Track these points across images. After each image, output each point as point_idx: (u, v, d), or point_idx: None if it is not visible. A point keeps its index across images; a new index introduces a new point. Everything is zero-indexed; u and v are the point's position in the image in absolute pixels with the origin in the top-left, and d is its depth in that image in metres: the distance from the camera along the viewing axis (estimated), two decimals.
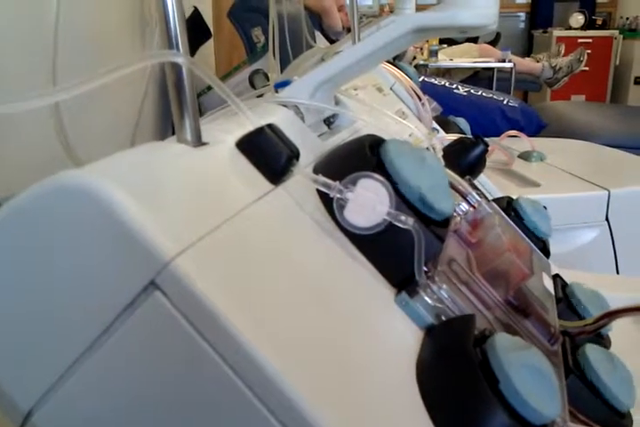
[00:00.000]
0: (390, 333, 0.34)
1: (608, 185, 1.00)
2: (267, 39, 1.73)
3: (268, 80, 1.39)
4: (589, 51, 5.08)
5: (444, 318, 0.35)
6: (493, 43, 4.20)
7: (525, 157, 1.18)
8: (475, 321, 0.33)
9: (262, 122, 0.35)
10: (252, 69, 1.41)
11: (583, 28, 5.33)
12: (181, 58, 0.31)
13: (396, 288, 0.36)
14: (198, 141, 0.32)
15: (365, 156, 0.37)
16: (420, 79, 1.71)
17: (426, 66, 3.02)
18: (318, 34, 1.90)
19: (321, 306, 0.31)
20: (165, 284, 0.24)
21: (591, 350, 0.41)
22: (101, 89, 0.29)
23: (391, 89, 0.88)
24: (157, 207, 0.25)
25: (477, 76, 3.52)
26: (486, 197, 0.56)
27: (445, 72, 3.34)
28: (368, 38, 0.42)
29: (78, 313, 0.26)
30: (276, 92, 0.51)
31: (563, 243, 0.96)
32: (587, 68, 5.06)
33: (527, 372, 0.30)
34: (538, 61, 3.62)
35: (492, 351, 0.31)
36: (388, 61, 1.04)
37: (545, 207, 0.59)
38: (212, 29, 1.83)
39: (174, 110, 0.32)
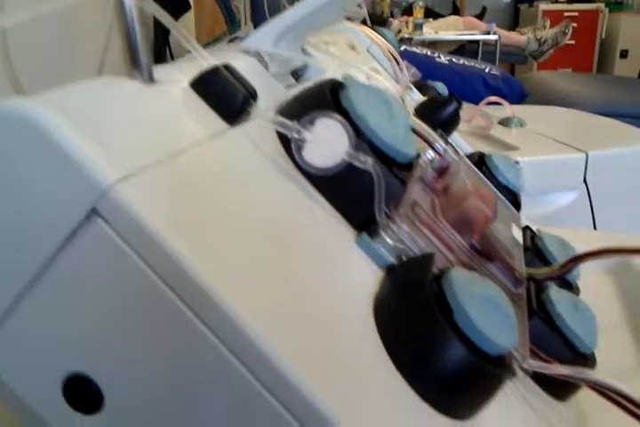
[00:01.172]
0: (351, 273, 0.34)
1: (586, 148, 1.00)
2: (254, 10, 1.71)
3: None
4: (575, 24, 5.06)
5: (404, 258, 0.35)
6: (479, 17, 4.17)
7: (505, 122, 1.18)
8: (433, 259, 0.33)
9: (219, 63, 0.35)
10: (231, 37, 1.40)
11: (569, 1, 5.30)
12: None
13: (358, 230, 0.36)
14: (150, 80, 0.32)
15: (324, 96, 0.37)
16: (402, 48, 1.70)
17: (410, 39, 2.99)
18: None
19: (278, 245, 0.30)
20: (107, 210, 0.24)
21: (555, 293, 0.42)
22: (54, 22, 0.29)
23: (368, 51, 0.87)
24: (98, 136, 0.25)
25: (463, 49, 3.50)
26: (455, 148, 0.56)
27: (430, 45, 3.31)
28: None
29: (20, 244, 0.25)
30: None
31: (542, 205, 0.97)
32: (573, 42, 5.04)
33: (481, 303, 0.30)
34: (523, 35, 3.60)
35: (447, 284, 0.31)
36: (367, 25, 1.03)
37: (517, 162, 0.59)
38: (191, 1, 1.81)
39: (124, 47, 0.31)
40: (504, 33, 3.38)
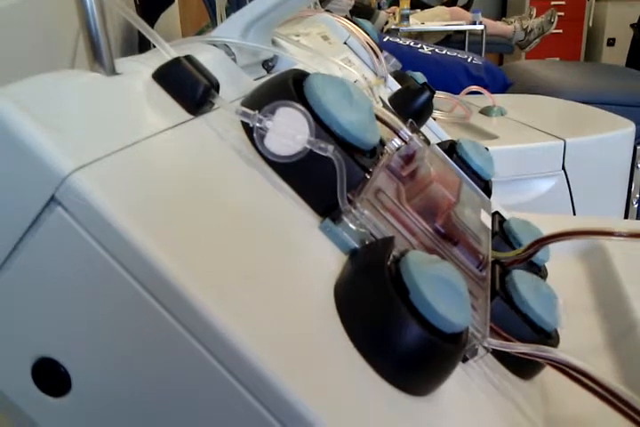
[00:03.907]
0: (314, 257, 0.35)
1: (564, 135, 1.01)
2: (229, 3, 1.71)
3: None
4: (563, 13, 5.07)
5: (367, 242, 0.36)
6: (466, 6, 4.17)
7: (486, 111, 1.19)
8: (393, 242, 0.34)
9: (181, 54, 0.35)
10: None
11: None
12: None
13: (321, 215, 0.37)
14: (112, 71, 0.33)
15: (286, 86, 0.37)
16: (385, 39, 1.70)
17: (397, 30, 3.00)
18: None
19: (240, 230, 0.31)
20: (65, 198, 0.25)
21: (518, 275, 0.43)
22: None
23: (345, 43, 0.88)
24: (57, 126, 0.26)
25: (450, 40, 3.50)
26: (426, 138, 0.57)
27: (417, 36, 3.32)
28: None
29: None
30: None
31: (521, 192, 0.98)
32: (560, 31, 5.04)
33: (436, 283, 0.31)
34: (509, 24, 3.61)
35: (404, 265, 0.32)
36: (346, 17, 1.04)
37: (487, 149, 0.60)
38: None
39: (85, 38, 0.32)
40: (490, 23, 3.38)
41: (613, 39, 5.90)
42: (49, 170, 0.25)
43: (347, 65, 0.65)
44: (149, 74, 0.34)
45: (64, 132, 0.26)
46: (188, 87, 0.34)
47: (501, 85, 1.67)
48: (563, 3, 5.40)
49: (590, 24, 5.83)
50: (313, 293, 0.32)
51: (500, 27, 3.48)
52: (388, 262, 0.33)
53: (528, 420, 0.39)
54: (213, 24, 1.73)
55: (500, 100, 1.27)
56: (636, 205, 1.72)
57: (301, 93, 0.38)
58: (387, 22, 3.25)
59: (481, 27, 3.07)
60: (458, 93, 1.28)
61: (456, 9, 3.56)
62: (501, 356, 0.40)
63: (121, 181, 0.27)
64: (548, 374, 0.42)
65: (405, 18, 3.24)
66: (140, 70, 0.34)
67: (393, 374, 0.30)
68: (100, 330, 0.27)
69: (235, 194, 0.33)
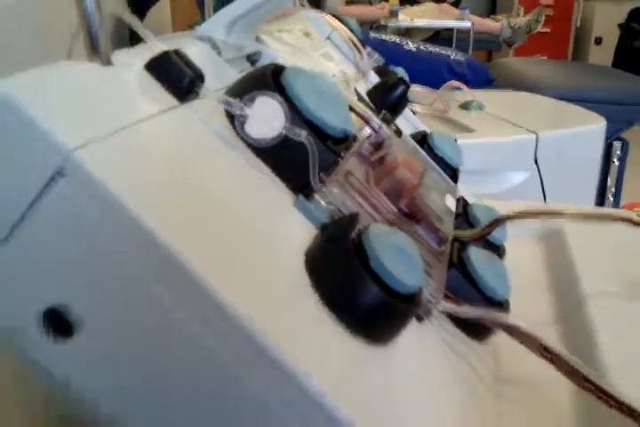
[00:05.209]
0: (288, 230, 0.39)
1: (537, 129, 1.06)
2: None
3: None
4: (551, 12, 5.12)
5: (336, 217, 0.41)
6: (456, 3, 4.21)
7: (465, 106, 1.24)
8: (358, 217, 0.39)
9: (170, 48, 0.40)
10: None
11: None
12: None
13: (296, 193, 0.41)
14: (108, 62, 0.37)
15: (264, 77, 0.42)
16: (371, 36, 1.75)
17: (385, 26, 3.04)
18: None
19: (224, 205, 0.36)
20: (70, 171, 0.29)
21: (474, 251, 0.48)
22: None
23: (328, 38, 0.92)
24: (61, 110, 0.30)
25: (438, 37, 3.54)
26: (398, 128, 0.62)
27: (406, 32, 3.36)
28: None
29: (1, 199, 0.30)
30: None
31: (495, 184, 1.03)
32: (548, 29, 5.10)
33: (393, 251, 0.36)
34: (497, 22, 3.66)
35: (365, 236, 0.36)
36: (332, 14, 1.08)
37: (455, 140, 0.65)
38: None
39: (84, 32, 0.36)
40: (478, 20, 3.43)
41: (600, 38, 5.96)
42: (56, 146, 0.29)
43: (327, 60, 0.70)
44: (141, 65, 0.39)
45: (68, 115, 0.30)
46: (175, 77, 0.38)
47: (484, 81, 1.72)
48: (551, 2, 5.45)
49: (578, 23, 5.89)
50: (286, 258, 0.37)
51: (487, 24, 3.53)
52: (353, 234, 0.37)
53: (478, 376, 0.43)
54: (203, 20, 1.75)
55: (480, 95, 1.32)
56: (612, 198, 1.78)
57: (279, 84, 0.42)
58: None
59: (468, 24, 3.11)
60: (439, 88, 1.33)
61: (445, 6, 3.60)
62: (457, 320, 0.45)
63: (118, 157, 0.31)
64: (500, 337, 0.47)
65: (395, 14, 3.27)
66: (132, 62, 0.38)
67: (355, 327, 0.35)
68: (101, 282, 0.31)
69: (219, 173, 0.37)
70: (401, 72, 1.06)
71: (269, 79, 0.42)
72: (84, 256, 0.31)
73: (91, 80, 0.34)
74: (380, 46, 1.48)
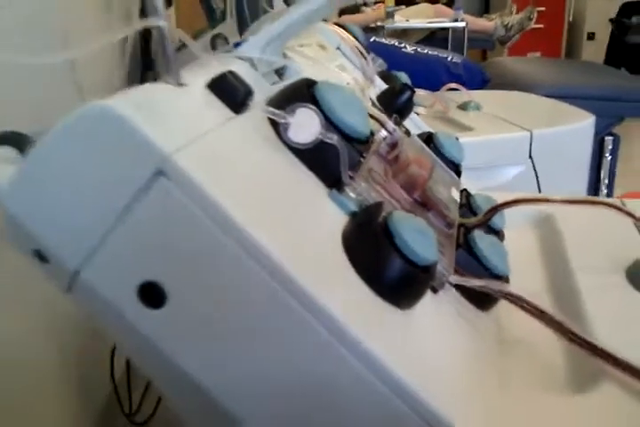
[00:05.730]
0: (325, 217, 0.48)
1: (531, 127, 1.15)
2: (225, 6, 1.82)
3: (229, 43, 1.49)
4: (544, 8, 5.21)
5: (363, 206, 0.49)
6: (450, 3, 4.30)
7: (463, 107, 1.32)
8: (382, 206, 0.48)
9: (225, 69, 0.48)
10: (212, 34, 1.52)
11: None
12: (164, 22, 0.43)
13: (329, 187, 0.50)
14: (179, 83, 0.45)
15: (302, 91, 0.50)
16: (372, 40, 1.83)
17: (382, 27, 3.12)
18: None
19: (279, 196, 0.44)
20: (169, 170, 0.38)
21: (478, 234, 0.56)
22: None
23: (338, 48, 1.01)
24: (158, 123, 0.39)
25: (434, 37, 3.63)
26: (407, 130, 0.71)
27: (402, 33, 3.44)
28: (301, 5, 0.55)
29: (107, 194, 0.39)
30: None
31: (492, 178, 1.12)
32: (541, 26, 5.18)
33: (412, 231, 0.45)
34: (491, 21, 3.75)
35: (390, 219, 0.45)
36: (337, 23, 1.17)
37: (457, 138, 0.74)
38: None
39: (161, 60, 0.44)
40: (472, 19, 3.51)
41: (593, 33, 6.04)
42: (158, 150, 0.37)
43: (341, 70, 0.78)
44: (203, 84, 0.47)
45: (163, 126, 0.39)
46: (232, 93, 0.47)
47: (480, 81, 1.81)
48: None
49: (570, 19, 5.97)
50: (327, 238, 0.45)
51: (481, 23, 3.61)
52: (379, 218, 0.46)
53: (483, 338, 0.52)
54: (211, 27, 1.83)
55: (477, 95, 1.40)
56: (605, 191, 1.87)
57: (313, 97, 0.51)
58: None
59: (463, 24, 3.20)
60: (438, 90, 1.42)
61: (439, 6, 3.69)
62: (466, 292, 0.54)
63: (204, 158, 0.40)
64: (502, 306, 0.56)
65: (390, 15, 3.36)
66: (197, 81, 0.47)
67: (384, 293, 0.43)
68: (193, 263, 0.40)
69: (272, 171, 0.46)
70: (404, 77, 1.15)
71: (306, 93, 0.51)
72: (180, 239, 0.39)
73: (172, 98, 0.43)
74: (380, 50, 1.56)
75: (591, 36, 5.97)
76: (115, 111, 0.38)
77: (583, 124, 1.24)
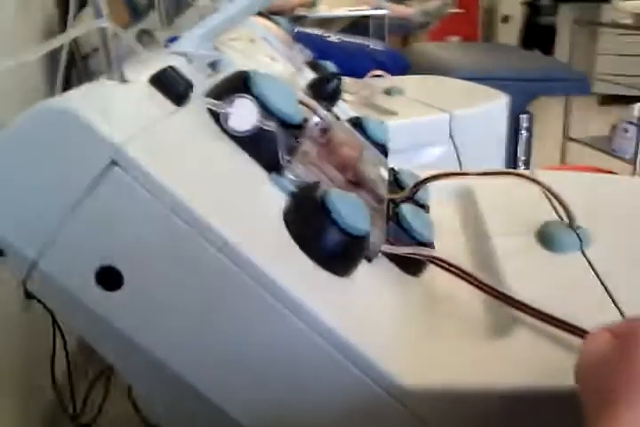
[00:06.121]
0: (268, 198, 0.53)
1: (451, 108, 1.22)
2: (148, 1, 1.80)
3: (154, 38, 1.50)
4: None
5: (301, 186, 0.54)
6: None
7: (387, 92, 1.39)
8: (319, 185, 0.53)
9: (164, 64, 0.52)
10: (138, 29, 1.53)
11: None
12: (107, 23, 0.47)
13: (269, 171, 0.55)
14: (123, 79, 0.49)
15: (239, 83, 0.55)
16: (296, 30, 1.87)
17: (305, 17, 3.16)
18: None
19: (223, 180, 0.49)
20: (121, 161, 0.42)
21: (405, 207, 0.63)
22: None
23: (265, 39, 1.04)
24: (106, 116, 0.42)
25: (357, 24, 3.70)
26: (337, 116, 0.76)
27: (325, 21, 3.49)
28: (233, 4, 0.60)
29: (62, 186, 0.43)
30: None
31: (417, 158, 1.19)
32: (460, 11, 5.34)
33: (347, 206, 0.50)
34: (410, 7, 3.84)
35: (327, 196, 0.50)
36: (263, 15, 1.20)
37: (382, 122, 0.80)
38: None
39: (105, 59, 0.48)
40: (393, 7, 3.60)
41: (507, 16, 6.27)
42: (109, 142, 0.41)
43: (271, 60, 0.83)
44: (145, 79, 0.51)
45: (113, 119, 0.43)
46: (174, 87, 0.51)
47: (402, 67, 1.88)
48: None
49: (486, 3, 6.18)
50: (270, 216, 0.50)
51: (401, 10, 3.70)
52: (317, 196, 0.51)
53: (414, 298, 0.58)
54: (132, 22, 1.81)
55: (400, 81, 1.47)
56: (523, 167, 1.99)
57: (249, 87, 0.55)
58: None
59: (384, 12, 3.28)
60: (363, 77, 1.48)
61: None
62: (396, 260, 0.60)
63: (152, 147, 0.44)
64: (430, 272, 0.62)
65: (314, 4, 3.39)
66: (139, 78, 0.50)
67: (324, 262, 0.49)
68: (145, 244, 0.44)
69: (215, 157, 0.50)
70: (330, 66, 1.20)
71: (242, 84, 0.55)
72: (134, 223, 0.43)
73: (118, 94, 0.46)
74: (306, 40, 1.61)
75: (505, 19, 6.20)
76: (67, 109, 0.41)
77: (498, 103, 1.34)
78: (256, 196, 0.52)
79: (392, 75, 1.54)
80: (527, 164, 1.92)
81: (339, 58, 1.47)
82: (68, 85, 1.90)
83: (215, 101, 0.52)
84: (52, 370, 0.98)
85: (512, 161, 1.80)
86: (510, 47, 2.94)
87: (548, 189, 0.64)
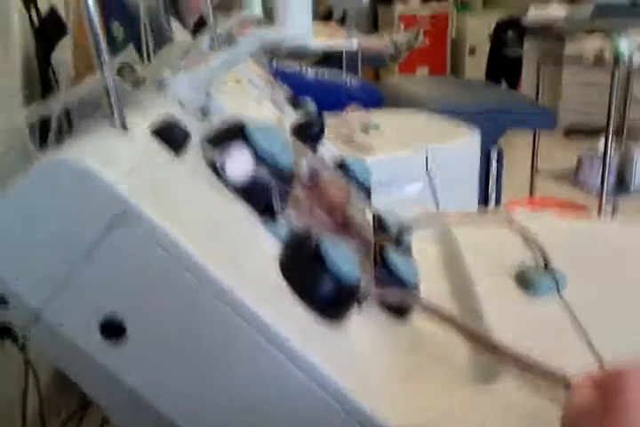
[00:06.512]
0: (262, 245, 0.54)
1: (427, 144, 1.26)
2: (126, 33, 1.82)
3: (135, 72, 1.51)
4: (429, 27, 5.55)
5: (293, 232, 0.56)
6: (342, 20, 4.47)
7: (364, 128, 1.43)
8: (311, 231, 0.55)
9: (162, 112, 0.54)
10: (118, 62, 1.54)
11: (424, 0, 5.77)
12: (110, 72, 0.48)
13: (262, 216, 0.56)
14: (124, 127, 0.50)
15: (236, 132, 0.57)
16: (275, 67, 1.91)
17: (280, 50, 3.21)
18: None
19: (218, 228, 0.50)
20: (128, 214, 0.43)
21: (391, 251, 0.65)
22: None
23: (250, 80, 1.07)
24: (113, 169, 0.44)
25: (331, 56, 3.77)
26: (323, 158, 0.78)
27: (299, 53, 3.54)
28: (226, 53, 0.62)
29: (70, 239, 0.43)
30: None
31: (395, 194, 1.22)
32: (427, 42, 5.50)
33: (340, 253, 0.52)
34: (381, 39, 3.94)
35: (320, 244, 0.52)
36: None
37: (365, 163, 0.82)
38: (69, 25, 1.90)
39: (107, 107, 0.49)
40: (365, 40, 3.68)
41: (474, 48, 6.46)
42: (117, 196, 0.42)
43: (258, 102, 0.85)
44: (146, 127, 0.52)
45: (119, 173, 0.44)
46: (174, 137, 0.52)
47: (377, 101, 1.93)
48: (428, 16, 5.87)
49: (453, 35, 6.37)
50: (265, 263, 0.51)
51: (373, 43, 3.79)
52: (311, 244, 0.53)
53: (400, 340, 0.60)
54: (112, 55, 1.82)
55: (376, 116, 1.51)
56: (495, 197, 2.05)
57: (244, 136, 0.57)
58: None
59: (356, 45, 3.36)
60: (340, 111, 1.52)
61: (332, 25, 3.83)
62: (384, 303, 0.62)
63: (158, 200, 0.45)
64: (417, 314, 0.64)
65: None
66: (139, 126, 0.52)
67: (319, 308, 0.50)
68: (154, 297, 0.45)
69: (214, 205, 0.52)
70: (311, 104, 1.23)
71: (238, 133, 0.57)
72: (139, 276, 0.44)
73: (122, 145, 0.48)
74: (283, 77, 1.64)
75: (473, 51, 6.39)
76: (76, 163, 0.43)
77: (471, 138, 1.39)
78: (252, 242, 0.53)
79: (367, 108, 1.58)
80: (498, 196, 1.97)
81: (316, 94, 1.50)
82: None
83: (213, 152, 0.54)
84: (23, 410, 0.96)
85: (483, 194, 1.85)
86: (478, 82, 3.04)
87: (526, 235, 0.67)
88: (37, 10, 2.02)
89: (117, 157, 0.46)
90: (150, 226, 0.43)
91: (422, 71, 6.11)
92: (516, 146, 3.13)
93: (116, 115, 0.49)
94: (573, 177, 2.43)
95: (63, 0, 1.89)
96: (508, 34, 5.86)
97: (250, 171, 0.54)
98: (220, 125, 0.59)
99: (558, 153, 3.16)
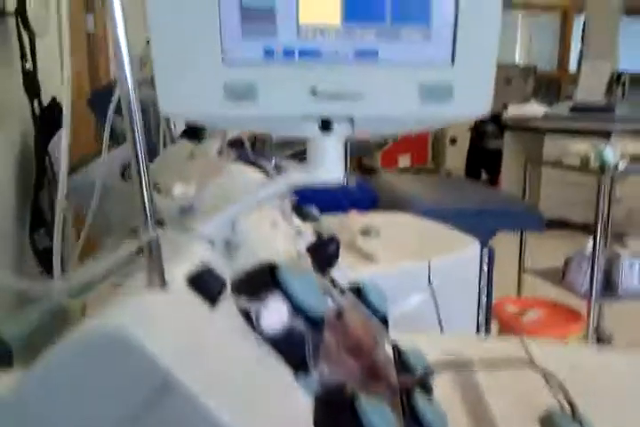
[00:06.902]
0: (293, 398, 0.52)
1: (429, 255, 1.27)
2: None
3: None
4: None
5: (327, 386, 0.54)
6: None
7: (365, 233, 1.43)
8: (346, 386, 0.53)
9: (197, 259, 0.53)
10: (123, 162, 1.55)
11: None
12: (155, 233, 0.48)
13: (296, 370, 0.54)
14: (163, 281, 0.49)
15: (268, 278, 0.56)
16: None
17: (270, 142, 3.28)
18: None
19: (250, 380, 0.48)
20: (171, 385, 0.41)
21: (419, 398, 0.62)
22: None
23: None
24: (155, 336, 0.42)
25: None
26: (342, 288, 0.77)
27: (285, 144, 3.63)
28: (255, 196, 0.62)
29: (112, 409, 0.41)
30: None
31: (396, 306, 1.21)
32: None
33: (378, 417, 0.50)
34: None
35: (359, 407, 0.50)
36: (249, 162, 1.24)
37: (381, 291, 0.81)
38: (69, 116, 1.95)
39: (148, 263, 0.48)
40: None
41: (455, 138, 6.70)
42: (160, 366, 0.41)
43: (272, 226, 0.85)
44: (182, 279, 0.51)
45: (161, 339, 0.42)
46: (211, 290, 0.51)
47: (371, 200, 1.96)
48: None
49: None
50: (299, 419, 0.49)
51: (359, 132, 3.91)
52: (346, 401, 0.51)
53: None
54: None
55: (374, 218, 1.53)
56: (485, 298, 2.04)
57: (277, 282, 0.56)
58: None
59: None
60: (338, 211, 1.53)
61: None
62: None
63: (200, 368, 0.43)
64: None
65: None
66: (175, 277, 0.51)
67: None
68: None
69: (249, 360, 0.50)
70: (312, 209, 1.24)
71: (270, 279, 0.56)
72: None
73: (161, 307, 0.46)
74: None
75: (454, 141, 6.63)
76: (118, 331, 0.41)
77: (470, 249, 1.40)
78: (285, 399, 0.51)
79: (365, 209, 1.60)
80: (489, 297, 1.97)
81: (316, 198, 1.51)
82: (36, 204, 1.89)
83: (246, 302, 0.52)
84: None
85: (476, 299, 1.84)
86: (465, 180, 3.14)
87: (551, 379, 0.66)
88: (40, 99, 2.07)
89: (157, 322, 0.44)
90: (190, 396, 0.41)
91: (404, 159, 6.31)
92: (505, 246, 3.18)
93: (156, 272, 0.48)
94: (561, 278, 2.46)
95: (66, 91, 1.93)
96: (488, 126, 6.12)
97: (284, 321, 0.53)
98: (250, 269, 0.58)
99: (544, 249, 3.21)
